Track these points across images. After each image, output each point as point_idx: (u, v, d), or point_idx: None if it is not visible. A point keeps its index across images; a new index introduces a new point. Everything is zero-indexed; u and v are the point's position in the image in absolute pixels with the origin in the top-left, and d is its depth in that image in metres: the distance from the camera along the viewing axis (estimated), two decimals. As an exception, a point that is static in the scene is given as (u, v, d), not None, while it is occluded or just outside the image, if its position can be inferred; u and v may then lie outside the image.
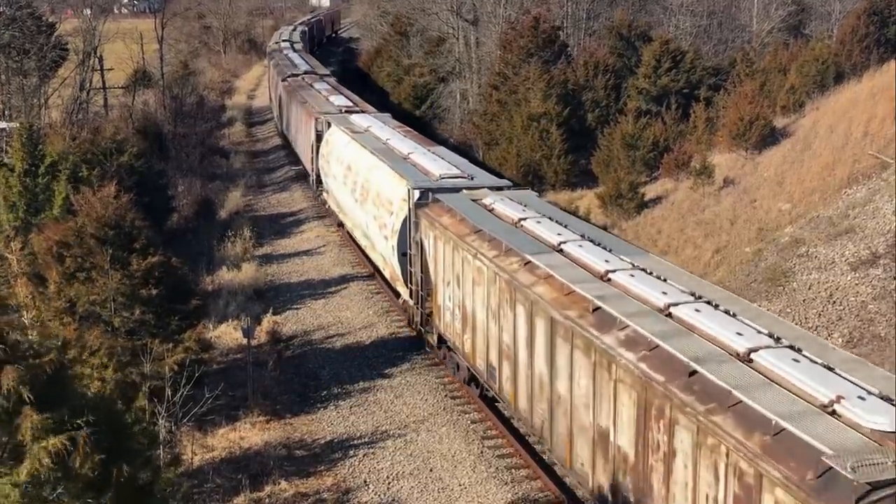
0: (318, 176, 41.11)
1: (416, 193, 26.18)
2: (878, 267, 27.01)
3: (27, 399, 11.09)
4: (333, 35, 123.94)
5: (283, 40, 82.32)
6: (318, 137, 40.33)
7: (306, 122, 43.96)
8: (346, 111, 41.92)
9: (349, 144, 35.04)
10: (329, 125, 39.31)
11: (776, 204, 33.45)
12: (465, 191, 26.04)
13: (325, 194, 40.31)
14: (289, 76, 56.67)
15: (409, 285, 26.97)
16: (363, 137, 34.58)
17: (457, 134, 53.35)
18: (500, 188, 26.55)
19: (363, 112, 41.92)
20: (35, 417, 11.03)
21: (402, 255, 27.11)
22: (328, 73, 61.19)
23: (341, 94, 48.70)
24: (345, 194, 34.52)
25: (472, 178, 27.63)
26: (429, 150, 31.43)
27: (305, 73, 58.30)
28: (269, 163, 56.73)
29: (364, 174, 31.85)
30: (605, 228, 31.61)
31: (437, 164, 29.06)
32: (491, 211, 23.73)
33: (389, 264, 28.76)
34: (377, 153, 31.47)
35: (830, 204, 31.50)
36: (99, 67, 49.79)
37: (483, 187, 26.37)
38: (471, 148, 48.96)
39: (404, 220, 26.73)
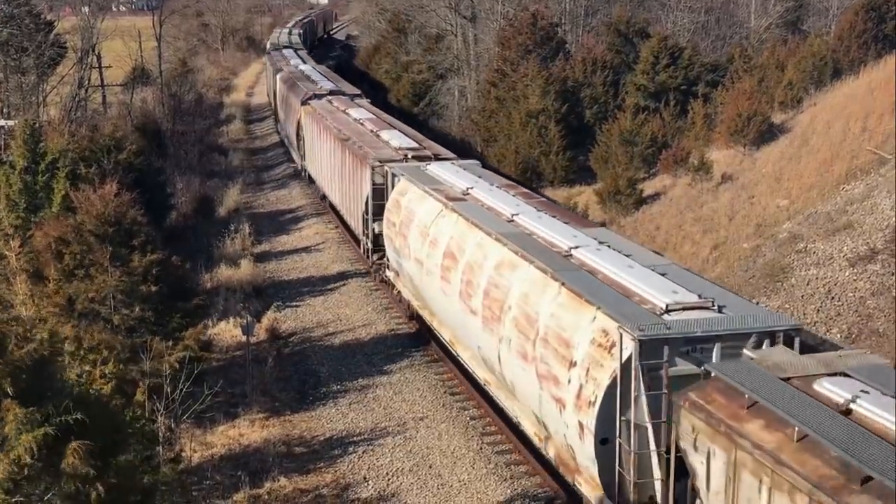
0: (376, 242, 31.30)
1: (636, 345, 14.92)
2: (876, 262, 27.05)
3: (8, 392, 11.03)
4: (325, 36, 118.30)
5: (285, 46, 78.05)
6: (377, 192, 30.80)
7: (355, 167, 33.70)
8: (414, 157, 31.57)
9: (446, 218, 23.97)
10: (394, 178, 29.14)
11: (774, 200, 33.50)
12: (745, 352, 15.03)
13: (389, 272, 29.69)
14: (310, 97, 46.90)
15: (619, 498, 15.90)
16: (470, 209, 23.38)
17: (455, 131, 53.39)
18: (774, 333, 15.38)
19: (442, 159, 31.02)
20: (18, 411, 10.98)
21: (602, 443, 16.00)
22: (358, 92, 50.90)
23: (394, 128, 37.33)
24: (442, 292, 23.42)
25: (719, 309, 15.95)
26: (600, 243, 19.74)
27: (331, 93, 48.62)
28: (267, 160, 56.77)
29: (488, 274, 20.55)
30: (602, 224, 31.66)
31: (640, 275, 17.34)
32: (847, 413, 12.54)
33: (562, 444, 17.70)
34: (511, 242, 20.24)
35: (828, 200, 31.54)
36: (97, 65, 49.79)
37: (751, 331, 15.27)
38: (469, 145, 48.98)
39: (610, 388, 15.53)
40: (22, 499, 11.34)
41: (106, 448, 11.66)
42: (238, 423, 22.92)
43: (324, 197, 42.63)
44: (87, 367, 13.83)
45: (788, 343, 15.33)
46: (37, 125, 31.26)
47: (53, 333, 12.48)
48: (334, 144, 37.53)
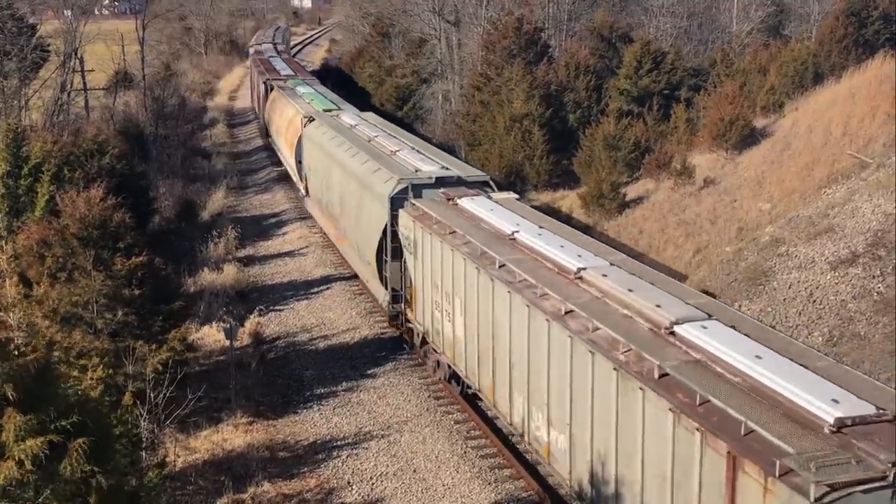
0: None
1: None
2: (857, 266, 27.23)
3: (11, 397, 11.04)
4: None
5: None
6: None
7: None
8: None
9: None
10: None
11: (756, 204, 33.67)
12: None
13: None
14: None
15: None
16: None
17: (439, 135, 53.44)
18: None
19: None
20: (18, 419, 10.99)
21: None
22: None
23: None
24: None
25: None
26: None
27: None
28: (251, 164, 56.67)
29: None
30: (587, 229, 31.73)
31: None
32: None
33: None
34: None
35: (810, 203, 31.73)
36: (80, 69, 49.61)
37: None
38: (453, 149, 49.05)
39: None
40: (25, 497, 11.34)
41: (96, 452, 11.67)
42: (222, 427, 22.87)
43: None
44: (75, 373, 13.81)
45: None
46: (19, 129, 31.13)
47: (52, 342, 12.51)
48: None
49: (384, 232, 26.80)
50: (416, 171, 28.05)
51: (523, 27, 48.18)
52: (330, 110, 41.91)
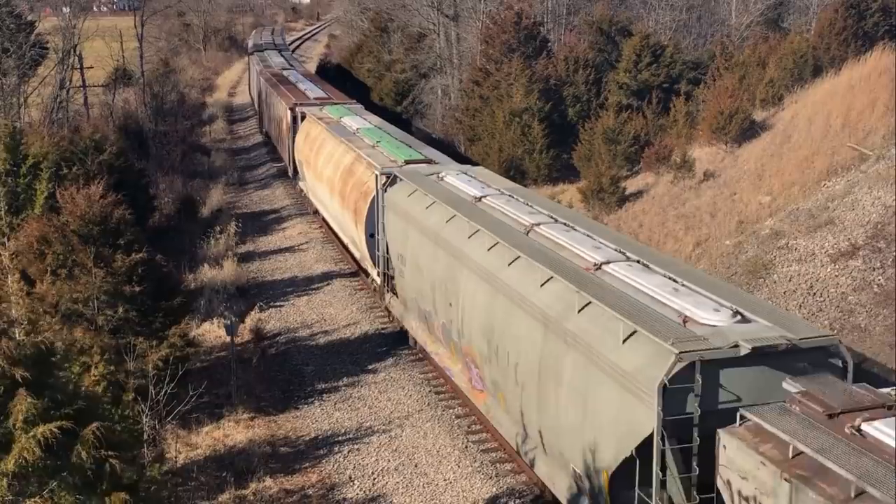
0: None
1: None
2: (857, 258, 27.23)
3: (20, 380, 11.04)
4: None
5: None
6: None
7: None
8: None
9: None
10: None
11: (756, 197, 33.67)
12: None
13: None
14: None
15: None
16: None
17: (438, 130, 53.43)
18: None
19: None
20: (28, 401, 10.98)
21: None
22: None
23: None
24: None
25: None
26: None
27: None
28: (250, 160, 56.68)
29: None
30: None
31: None
32: None
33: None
34: None
35: (810, 196, 31.73)
36: (79, 66, 49.56)
37: None
38: (453, 143, 49.02)
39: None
40: (30, 489, 11.33)
41: (106, 440, 11.70)
42: (223, 423, 22.89)
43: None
44: (76, 368, 13.81)
45: None
46: (17, 127, 31.10)
47: (53, 335, 12.55)
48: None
49: (640, 448, 14.56)
50: (685, 319, 15.29)
51: (522, 21, 48.14)
52: (414, 161, 29.25)
